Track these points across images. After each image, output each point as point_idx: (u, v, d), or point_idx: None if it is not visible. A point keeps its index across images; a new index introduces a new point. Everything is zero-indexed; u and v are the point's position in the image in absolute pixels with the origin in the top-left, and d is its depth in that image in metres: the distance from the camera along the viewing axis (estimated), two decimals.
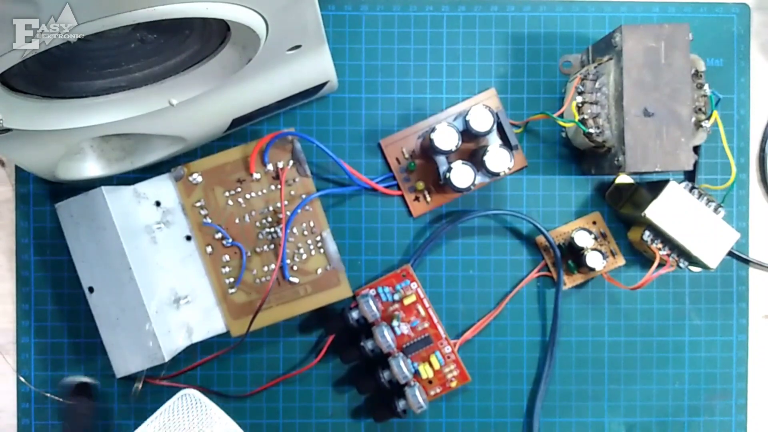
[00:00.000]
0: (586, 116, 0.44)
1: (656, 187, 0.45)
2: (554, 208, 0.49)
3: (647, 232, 0.45)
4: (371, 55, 0.49)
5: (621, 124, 0.43)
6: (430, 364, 0.46)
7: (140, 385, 0.44)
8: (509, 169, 0.43)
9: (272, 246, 0.46)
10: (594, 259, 0.46)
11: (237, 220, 0.46)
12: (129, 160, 0.45)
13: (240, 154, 0.45)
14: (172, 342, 0.44)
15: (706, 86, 0.44)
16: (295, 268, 0.46)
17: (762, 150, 0.50)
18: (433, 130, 0.43)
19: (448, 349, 0.47)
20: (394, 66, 0.49)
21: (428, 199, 0.49)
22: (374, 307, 0.45)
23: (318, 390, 0.49)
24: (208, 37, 0.36)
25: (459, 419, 0.49)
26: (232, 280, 0.46)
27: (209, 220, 0.45)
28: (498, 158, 0.43)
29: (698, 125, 0.44)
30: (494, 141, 0.45)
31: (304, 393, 0.49)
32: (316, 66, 0.43)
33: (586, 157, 0.48)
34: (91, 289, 0.44)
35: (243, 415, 0.48)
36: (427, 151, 0.46)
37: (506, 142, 0.45)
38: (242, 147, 0.45)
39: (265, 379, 0.48)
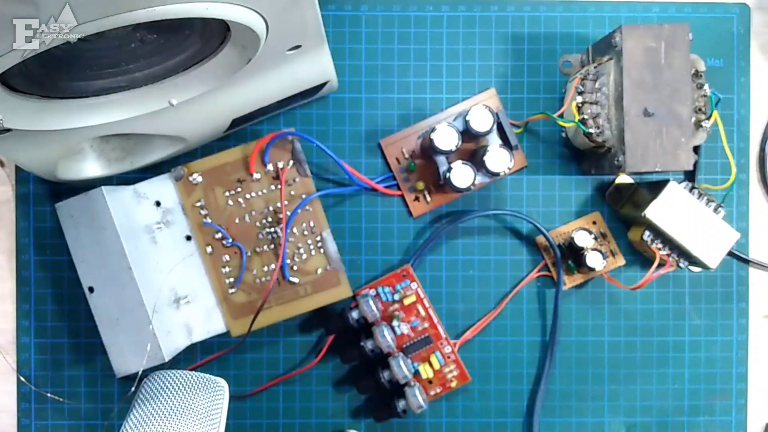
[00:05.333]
0: (586, 116, 0.44)
1: (656, 187, 0.45)
2: (554, 208, 0.49)
3: (647, 232, 0.45)
4: (371, 55, 0.49)
5: (621, 124, 0.43)
6: (430, 364, 0.46)
7: None
8: (509, 169, 0.43)
9: (272, 246, 0.46)
10: (594, 259, 0.46)
11: (237, 220, 0.46)
12: (129, 160, 0.45)
13: (240, 154, 0.45)
14: (172, 342, 0.44)
15: (706, 86, 0.44)
16: (295, 268, 0.46)
17: (762, 150, 0.50)
18: (433, 130, 0.43)
19: (448, 349, 0.47)
20: (394, 66, 0.49)
21: (428, 199, 0.48)
22: (374, 307, 0.45)
23: (318, 390, 0.49)
24: (208, 37, 0.36)
25: (459, 419, 0.49)
26: (232, 280, 0.45)
27: (209, 220, 0.45)
28: (498, 158, 0.43)
29: (698, 125, 0.44)
30: (494, 141, 0.45)
31: (304, 393, 0.49)
32: (316, 66, 0.43)
33: (586, 157, 0.48)
34: (91, 289, 0.44)
35: (243, 415, 0.48)
36: (427, 151, 0.46)
37: (506, 142, 0.45)
38: (242, 147, 0.45)
39: (265, 379, 0.48)
